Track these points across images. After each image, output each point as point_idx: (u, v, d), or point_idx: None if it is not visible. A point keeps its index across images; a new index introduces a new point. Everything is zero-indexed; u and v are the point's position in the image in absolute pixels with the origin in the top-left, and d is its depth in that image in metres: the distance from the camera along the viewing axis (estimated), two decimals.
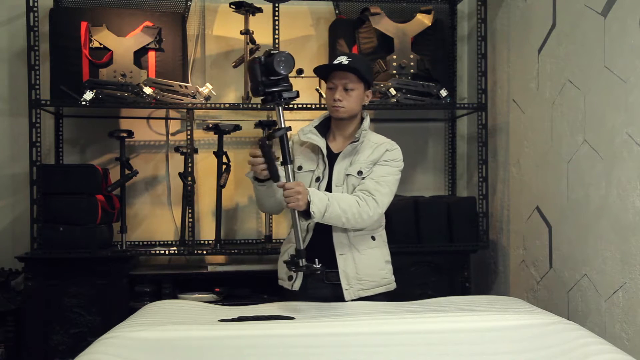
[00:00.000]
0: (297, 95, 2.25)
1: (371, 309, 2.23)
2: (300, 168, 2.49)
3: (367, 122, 2.50)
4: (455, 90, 3.87)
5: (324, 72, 2.51)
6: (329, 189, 2.43)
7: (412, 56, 3.51)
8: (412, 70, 3.51)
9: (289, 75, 2.22)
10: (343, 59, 2.42)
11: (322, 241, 2.41)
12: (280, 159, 2.26)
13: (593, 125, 2.62)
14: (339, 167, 2.45)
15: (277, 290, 3.35)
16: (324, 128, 2.53)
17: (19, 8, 3.57)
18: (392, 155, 2.47)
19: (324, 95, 3.51)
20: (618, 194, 2.44)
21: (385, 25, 3.52)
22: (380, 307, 2.27)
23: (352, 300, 2.40)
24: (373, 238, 2.47)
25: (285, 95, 2.22)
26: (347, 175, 2.43)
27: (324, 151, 2.46)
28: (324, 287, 2.43)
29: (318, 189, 2.41)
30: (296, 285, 2.43)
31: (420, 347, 1.77)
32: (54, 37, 3.44)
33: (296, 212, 2.24)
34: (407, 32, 3.54)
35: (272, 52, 2.21)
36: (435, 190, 3.92)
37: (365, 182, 2.40)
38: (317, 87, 3.57)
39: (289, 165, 2.23)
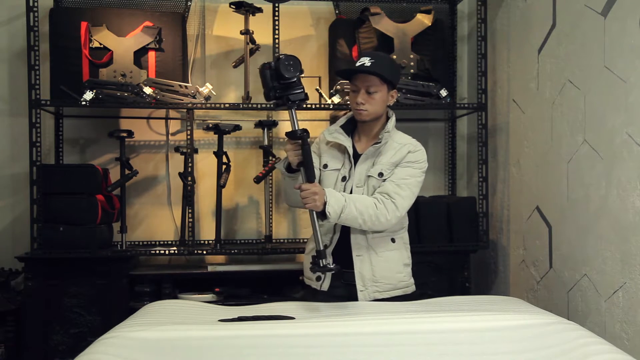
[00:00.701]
0: (307, 97, 2.27)
1: (372, 309, 2.23)
2: (325, 166, 2.48)
3: (392, 122, 2.46)
4: (455, 90, 3.88)
5: (346, 74, 2.50)
6: (351, 189, 2.43)
7: (412, 56, 3.51)
8: (412, 70, 3.51)
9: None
10: (365, 61, 2.36)
11: (341, 242, 2.42)
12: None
13: (593, 125, 2.62)
14: (361, 168, 2.43)
15: (277, 290, 3.37)
16: (350, 127, 2.51)
17: (19, 8, 3.57)
18: (415, 156, 2.43)
19: (324, 95, 3.54)
20: (618, 194, 2.44)
21: (385, 25, 3.52)
22: (380, 307, 2.27)
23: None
24: (393, 240, 2.45)
25: (293, 98, 2.23)
26: (368, 176, 2.41)
27: (350, 151, 2.44)
28: (340, 286, 2.43)
29: (344, 189, 2.41)
30: (325, 286, 2.43)
31: (420, 347, 1.77)
32: (54, 37, 3.44)
33: (314, 213, 2.24)
34: (407, 32, 3.54)
35: (280, 56, 2.22)
36: (435, 190, 3.91)
37: (385, 184, 2.37)
38: (317, 87, 3.58)
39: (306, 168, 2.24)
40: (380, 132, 2.46)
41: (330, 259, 2.26)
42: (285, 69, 2.18)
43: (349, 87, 2.55)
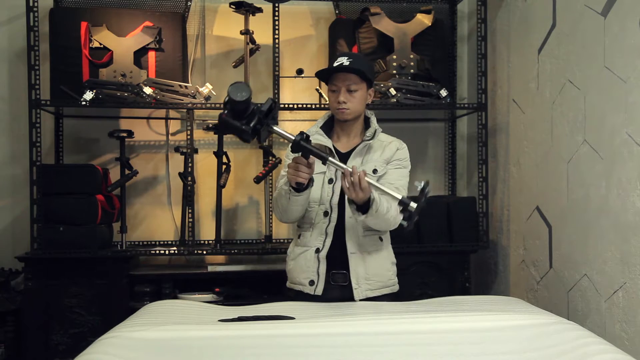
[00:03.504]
0: (273, 103, 2.11)
1: (372, 309, 2.23)
2: None
3: (375, 120, 2.49)
4: (455, 90, 3.87)
5: (325, 75, 2.50)
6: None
7: (412, 56, 3.51)
8: (412, 70, 3.50)
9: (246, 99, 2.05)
10: (344, 60, 2.38)
11: (333, 244, 2.41)
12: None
13: (593, 125, 2.62)
14: (351, 165, 2.43)
15: (277, 290, 3.36)
16: (327, 128, 2.51)
17: (19, 8, 3.57)
18: (403, 154, 2.47)
19: (324, 95, 3.54)
20: (618, 194, 2.44)
21: (385, 25, 3.52)
22: (380, 307, 2.27)
23: (360, 300, 2.39)
24: (380, 239, 2.47)
25: (265, 114, 2.07)
26: None
27: (333, 151, 2.44)
28: (331, 288, 2.41)
29: (332, 190, 2.41)
30: (318, 290, 2.40)
31: (420, 347, 1.77)
32: (54, 37, 3.44)
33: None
34: (407, 32, 3.54)
35: (226, 97, 2.06)
36: (435, 190, 3.91)
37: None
38: (317, 87, 3.58)
39: (329, 159, 2.14)
40: (360, 131, 2.49)
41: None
42: (236, 95, 2.01)
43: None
